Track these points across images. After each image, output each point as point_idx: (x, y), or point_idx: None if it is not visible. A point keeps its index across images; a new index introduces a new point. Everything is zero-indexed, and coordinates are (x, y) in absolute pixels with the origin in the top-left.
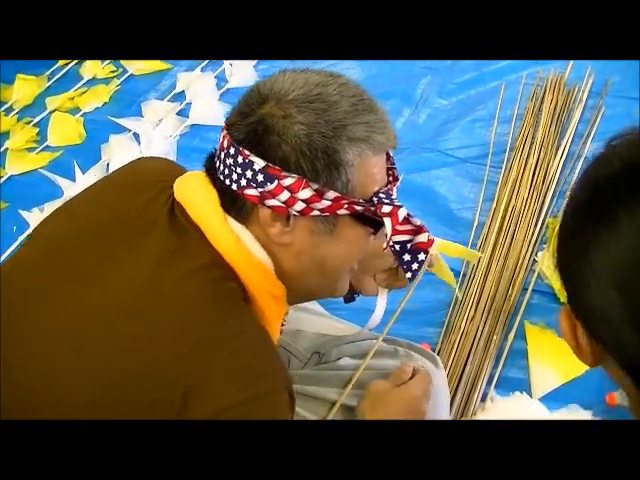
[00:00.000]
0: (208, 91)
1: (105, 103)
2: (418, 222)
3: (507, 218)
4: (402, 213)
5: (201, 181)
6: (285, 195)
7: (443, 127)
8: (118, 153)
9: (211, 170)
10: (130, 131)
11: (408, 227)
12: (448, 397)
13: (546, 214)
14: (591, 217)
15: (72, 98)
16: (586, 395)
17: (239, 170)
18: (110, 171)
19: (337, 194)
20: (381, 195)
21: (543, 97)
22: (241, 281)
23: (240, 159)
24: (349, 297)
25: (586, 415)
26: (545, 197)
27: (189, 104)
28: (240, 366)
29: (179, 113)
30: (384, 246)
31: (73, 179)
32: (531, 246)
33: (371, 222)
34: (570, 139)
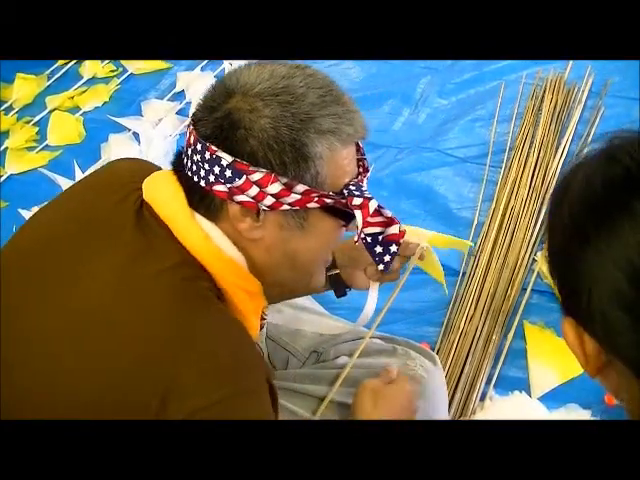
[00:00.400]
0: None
1: (105, 102)
2: (389, 214)
3: (506, 218)
4: (373, 205)
5: (168, 179)
6: (254, 190)
7: (443, 127)
8: (118, 152)
9: (179, 167)
10: (130, 130)
11: (379, 219)
12: (447, 396)
13: (545, 214)
14: (592, 219)
15: (72, 97)
16: (585, 395)
17: (207, 166)
18: None
19: (307, 187)
20: (351, 187)
21: (543, 97)
22: (213, 278)
23: (207, 155)
24: (341, 292)
25: (585, 414)
26: (544, 197)
27: (189, 103)
28: (214, 365)
29: (179, 112)
30: (355, 239)
31: (73, 178)
32: (530, 246)
33: (342, 214)
34: (570, 139)
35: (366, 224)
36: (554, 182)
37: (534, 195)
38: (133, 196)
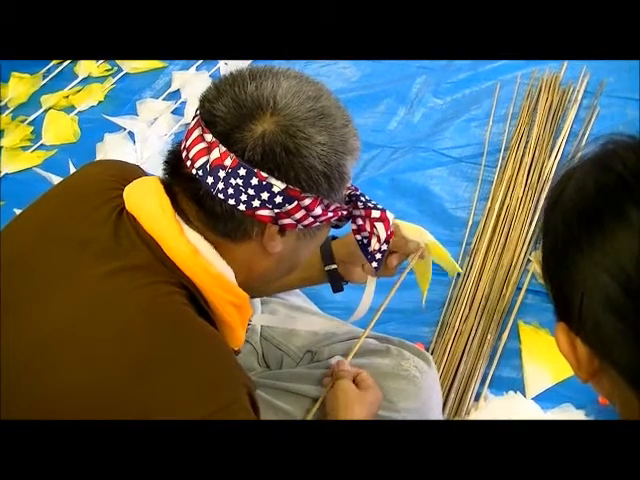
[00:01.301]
0: (203, 90)
1: (100, 102)
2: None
3: (502, 217)
4: (391, 216)
5: (153, 189)
6: (300, 213)
7: (438, 126)
8: (113, 152)
9: (180, 180)
10: (125, 130)
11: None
12: (441, 397)
13: (541, 213)
14: (586, 226)
15: (67, 96)
16: (579, 394)
17: (251, 192)
18: None
19: (337, 204)
20: (360, 197)
21: (538, 97)
22: (200, 292)
23: (255, 181)
24: (338, 287)
25: (579, 414)
26: (540, 196)
27: (184, 103)
28: (192, 384)
29: (174, 112)
30: (377, 247)
31: None
32: (525, 245)
33: (341, 218)
34: (565, 139)
35: (389, 236)
36: (549, 182)
37: (529, 195)
38: (108, 206)
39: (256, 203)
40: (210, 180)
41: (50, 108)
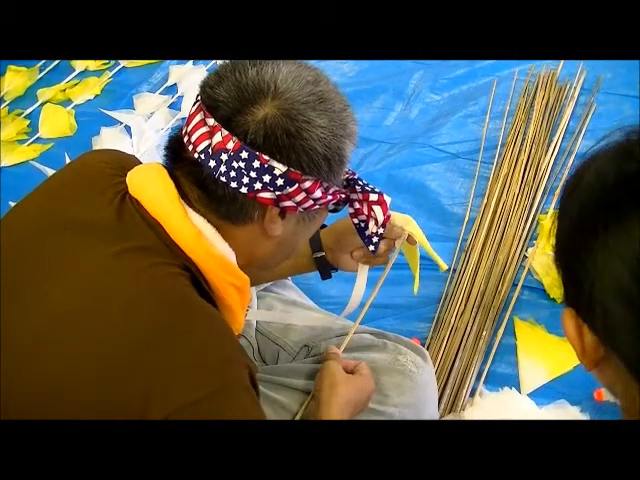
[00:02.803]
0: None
1: (97, 95)
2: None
3: (498, 214)
4: (388, 200)
5: (156, 173)
6: (301, 196)
7: (435, 122)
8: (109, 146)
9: (182, 165)
10: (121, 124)
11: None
12: (437, 392)
13: (537, 210)
14: (603, 213)
15: (63, 90)
16: (574, 391)
17: (253, 174)
18: None
19: (336, 188)
20: (358, 181)
21: (535, 93)
22: (203, 274)
23: (257, 164)
24: (326, 274)
25: (574, 411)
26: (536, 193)
27: (181, 97)
28: (196, 362)
29: (171, 106)
30: (374, 230)
31: None
32: (521, 242)
33: (341, 203)
34: (561, 135)
35: (386, 219)
36: (545, 178)
37: (526, 191)
38: (111, 191)
39: (258, 186)
40: (212, 164)
41: (47, 101)
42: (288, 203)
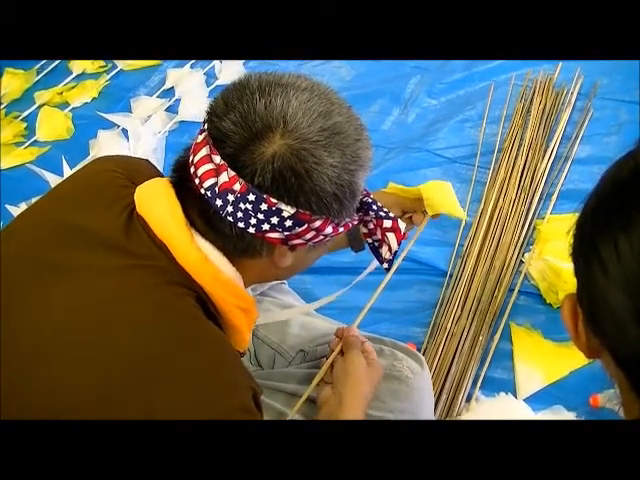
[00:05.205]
0: (197, 88)
1: (94, 98)
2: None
3: (494, 219)
4: (402, 225)
5: (164, 194)
6: (311, 234)
7: (432, 127)
8: (106, 149)
9: (188, 194)
10: (119, 127)
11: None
12: (433, 398)
13: (533, 215)
14: (609, 215)
15: (61, 93)
16: (570, 397)
17: (261, 216)
18: None
19: (348, 220)
20: (372, 205)
21: (532, 98)
22: (209, 296)
23: (264, 206)
24: (358, 246)
25: (570, 416)
26: (532, 198)
27: (178, 100)
28: (197, 387)
29: (168, 109)
30: (387, 256)
31: (61, 174)
32: (518, 247)
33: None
34: (558, 141)
35: (400, 242)
36: (542, 184)
37: (522, 196)
38: (119, 204)
39: (266, 227)
40: (219, 203)
41: (44, 104)
42: (297, 241)
